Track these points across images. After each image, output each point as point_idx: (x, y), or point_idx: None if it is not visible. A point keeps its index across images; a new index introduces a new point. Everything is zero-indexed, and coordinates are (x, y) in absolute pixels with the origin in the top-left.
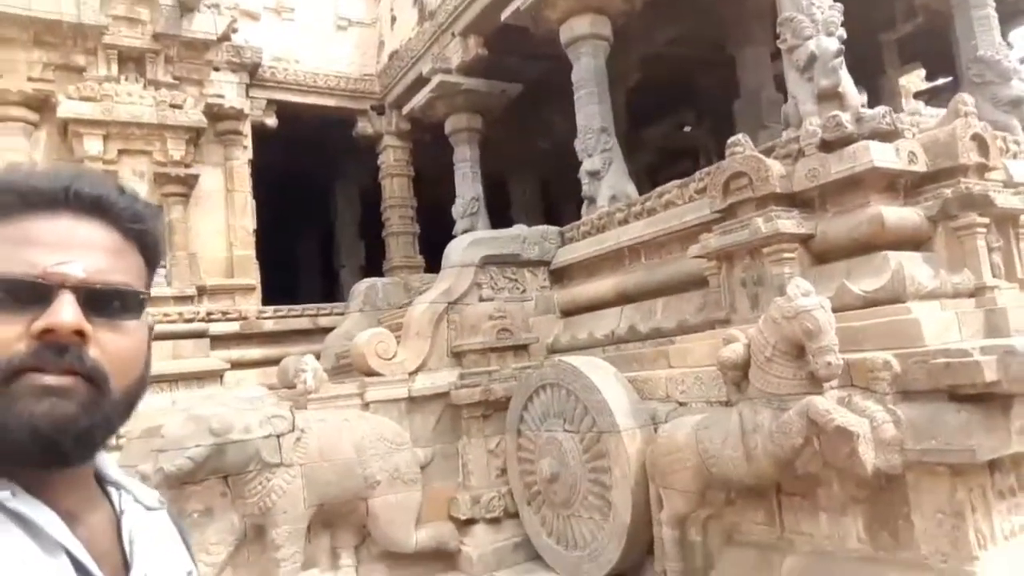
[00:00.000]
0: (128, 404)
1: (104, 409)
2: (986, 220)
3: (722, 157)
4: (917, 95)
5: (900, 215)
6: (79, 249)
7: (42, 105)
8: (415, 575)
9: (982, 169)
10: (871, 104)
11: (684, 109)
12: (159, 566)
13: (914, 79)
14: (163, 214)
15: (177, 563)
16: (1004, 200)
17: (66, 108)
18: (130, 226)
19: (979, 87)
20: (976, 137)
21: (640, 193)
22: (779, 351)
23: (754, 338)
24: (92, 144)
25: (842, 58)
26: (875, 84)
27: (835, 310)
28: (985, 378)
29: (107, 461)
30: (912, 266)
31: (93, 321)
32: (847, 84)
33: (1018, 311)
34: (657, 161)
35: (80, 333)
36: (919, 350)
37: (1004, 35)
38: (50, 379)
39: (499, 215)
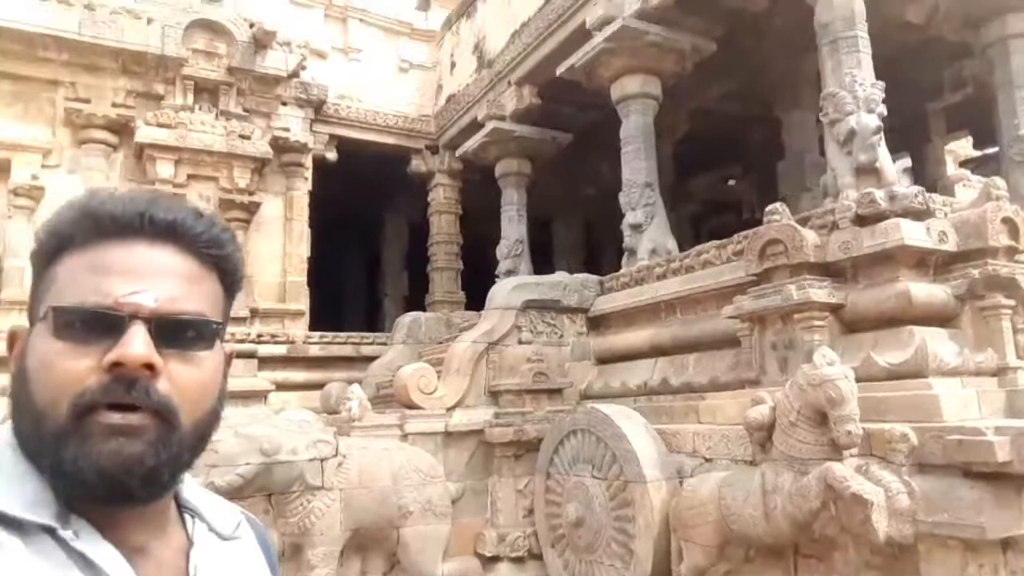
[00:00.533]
0: (199, 438)
1: (172, 447)
2: (1012, 302)
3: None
4: (964, 163)
5: (928, 292)
6: (152, 277)
7: (122, 129)
8: None
9: (1011, 252)
10: (916, 171)
11: (730, 163)
12: None
13: (964, 145)
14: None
15: None
16: None
17: (143, 133)
18: (207, 252)
19: (1020, 165)
20: (1007, 220)
21: (681, 243)
22: (803, 416)
23: (780, 402)
24: (164, 168)
25: (881, 135)
26: (921, 151)
27: (860, 380)
28: (997, 458)
29: (188, 485)
30: (936, 342)
31: (164, 353)
32: (884, 160)
33: None
34: (701, 212)
35: (150, 367)
36: (936, 425)
37: None
38: (118, 418)
39: (542, 256)
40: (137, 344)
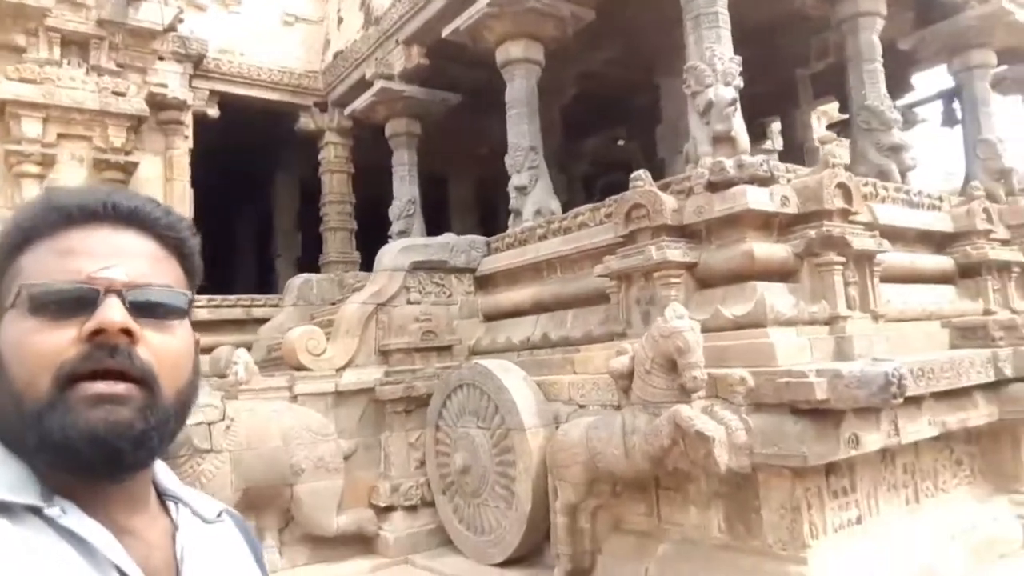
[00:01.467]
0: (181, 407)
1: (158, 412)
2: (843, 259)
3: (655, 170)
4: (830, 126)
5: (769, 251)
6: (120, 256)
7: None
8: (335, 556)
9: (845, 213)
10: (785, 134)
11: (619, 125)
12: None
13: (832, 109)
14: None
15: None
16: (860, 242)
17: (4, 88)
18: (167, 234)
19: (865, 133)
20: (841, 185)
21: (574, 201)
22: (656, 364)
23: (638, 352)
24: (30, 126)
25: (736, 106)
26: (791, 115)
27: (710, 330)
28: (816, 396)
29: (166, 473)
30: (774, 296)
31: (140, 323)
32: (739, 130)
33: (864, 339)
34: (593, 171)
35: (128, 332)
36: (771, 369)
37: (906, 79)
38: (103, 386)
39: (438, 213)
40: (115, 311)
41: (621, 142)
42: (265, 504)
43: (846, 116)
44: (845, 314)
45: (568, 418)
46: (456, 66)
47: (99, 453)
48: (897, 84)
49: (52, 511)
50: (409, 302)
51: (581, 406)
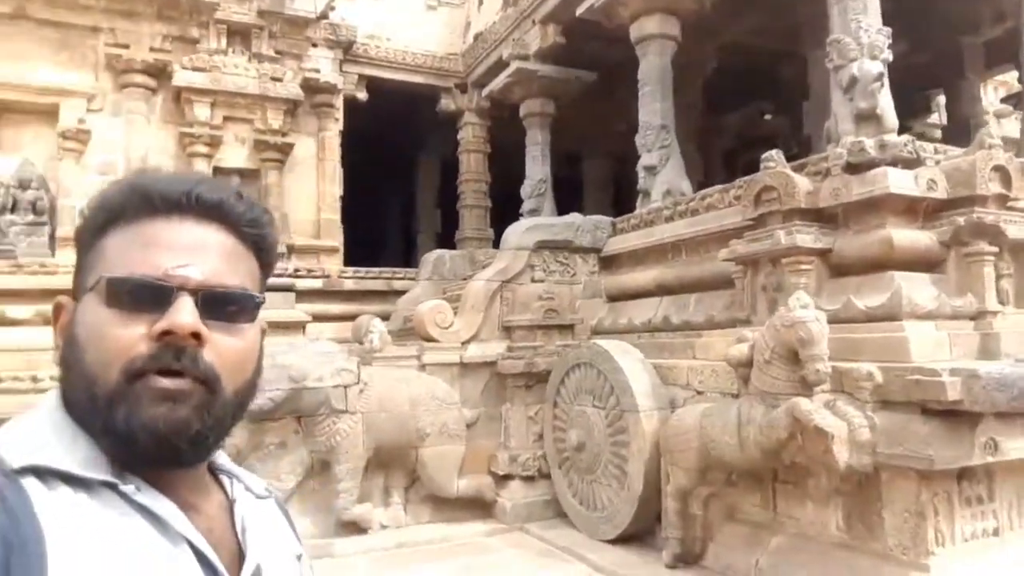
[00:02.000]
0: (239, 405)
1: (215, 412)
2: (995, 249)
3: (803, 147)
4: (1006, 99)
5: (910, 238)
6: (198, 253)
7: (160, 73)
8: (455, 518)
9: (1002, 199)
10: (949, 109)
11: (765, 98)
12: (271, 552)
13: (1012, 79)
14: (261, 177)
15: (287, 548)
16: (1017, 230)
17: (180, 77)
18: (247, 231)
19: None
20: (998, 168)
21: (713, 179)
22: (777, 355)
23: (758, 341)
24: (201, 111)
25: (883, 82)
26: (956, 87)
27: (840, 322)
28: (948, 396)
29: (219, 452)
30: (913, 287)
31: (209, 324)
32: (886, 107)
33: (1015, 336)
34: (735, 147)
35: (197, 336)
36: (901, 365)
37: None
38: (167, 383)
39: (572, 193)
40: (185, 314)
41: (767, 117)
42: (393, 463)
43: None
44: (994, 309)
45: (685, 403)
46: (592, 44)
47: (157, 448)
48: None
49: (127, 488)
50: (533, 280)
51: (699, 392)
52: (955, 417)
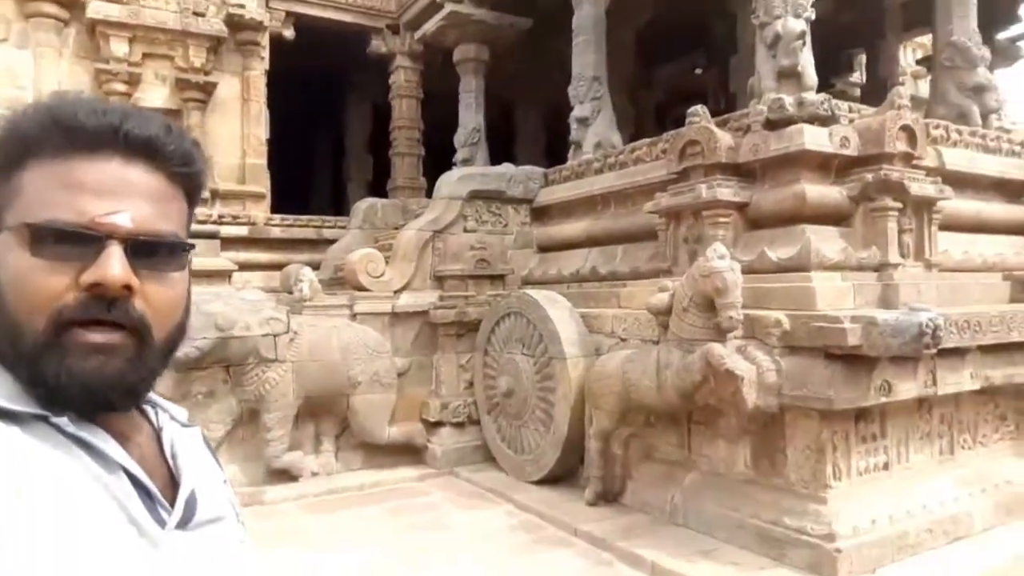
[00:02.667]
0: (169, 351)
1: (148, 362)
2: (899, 204)
3: (730, 102)
4: (922, 60)
5: (822, 193)
6: (128, 197)
7: (72, 4)
8: (387, 464)
9: (908, 157)
10: (869, 68)
11: (697, 52)
12: (202, 478)
13: (928, 42)
14: (183, 118)
15: (214, 474)
16: (919, 188)
17: (94, 8)
18: (178, 169)
19: (948, 71)
20: (905, 128)
21: (645, 132)
22: (694, 303)
23: (677, 290)
24: (118, 46)
25: (805, 40)
26: (876, 47)
27: (754, 272)
28: (849, 342)
29: None
30: (822, 240)
31: (139, 273)
32: (806, 65)
33: (912, 287)
34: (667, 100)
35: (128, 287)
36: (807, 313)
37: (1013, 9)
38: (98, 337)
39: (504, 143)
40: (116, 265)
41: (698, 71)
42: (324, 412)
43: None
44: (895, 261)
45: (609, 350)
46: None
47: (90, 399)
48: (1003, 15)
49: (60, 420)
50: (465, 230)
51: (623, 340)
52: (855, 361)
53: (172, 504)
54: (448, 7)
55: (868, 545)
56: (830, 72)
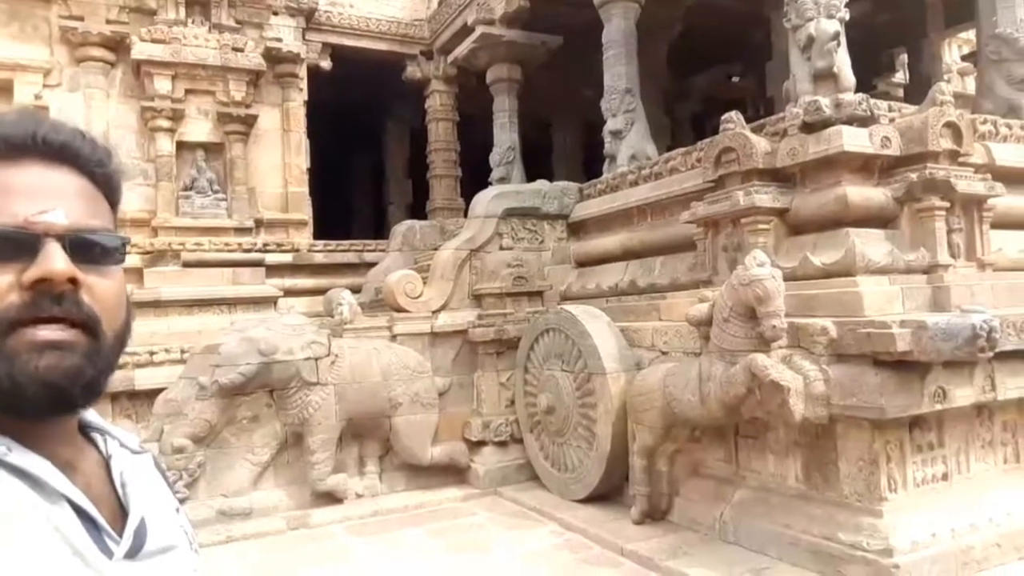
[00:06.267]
0: (120, 346)
1: (103, 356)
2: (946, 204)
3: (769, 109)
4: (966, 57)
5: (865, 195)
6: (56, 197)
7: (118, 46)
8: (430, 485)
9: (953, 155)
10: (911, 67)
11: (732, 60)
12: (152, 506)
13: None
14: (225, 151)
15: (166, 502)
16: (967, 186)
17: (139, 49)
18: (96, 170)
19: (994, 64)
20: (950, 125)
21: (682, 143)
22: (735, 313)
23: (717, 300)
24: (162, 84)
25: (839, 41)
26: (917, 46)
27: (797, 279)
28: (898, 347)
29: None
30: (866, 243)
31: (80, 268)
32: (843, 66)
33: (964, 289)
34: (704, 110)
35: (73, 281)
36: (854, 319)
37: None
38: (49, 333)
39: (541, 160)
40: (58, 260)
41: (735, 79)
42: (367, 433)
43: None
44: (946, 262)
45: (650, 364)
46: (559, 8)
47: (49, 398)
48: None
49: None
50: (501, 248)
51: (664, 353)
52: (906, 367)
53: (121, 534)
54: (479, 30)
55: (929, 560)
56: (871, 73)
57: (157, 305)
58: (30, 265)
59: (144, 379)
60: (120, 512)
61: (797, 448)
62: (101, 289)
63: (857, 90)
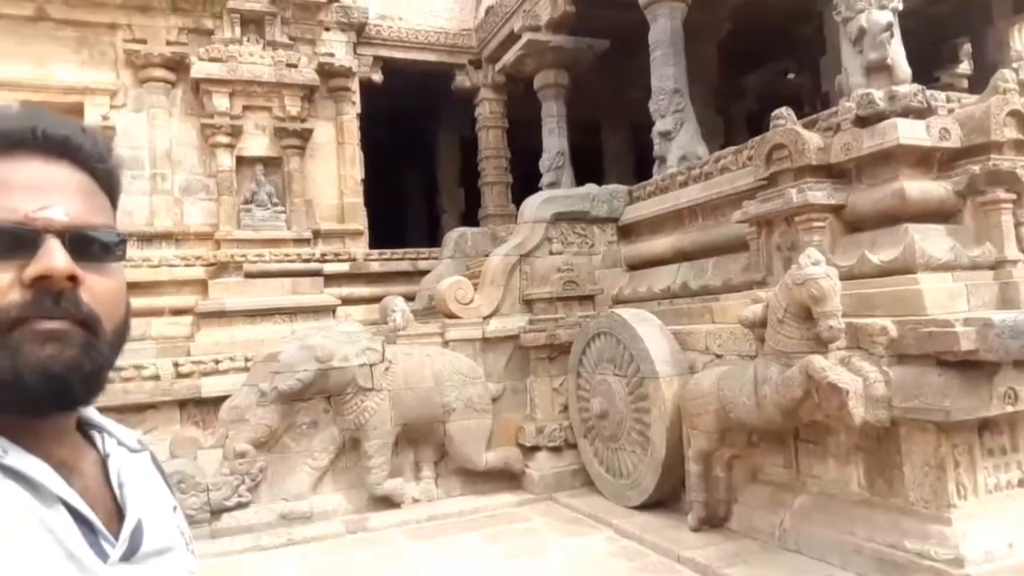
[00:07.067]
0: (119, 344)
1: (102, 352)
2: (1012, 196)
3: (825, 104)
4: None
5: (924, 189)
6: (56, 192)
7: (178, 66)
8: (485, 490)
9: (1019, 145)
10: (975, 57)
11: (785, 57)
12: (150, 507)
13: None
14: (283, 164)
15: (163, 501)
16: None
17: (198, 68)
18: (96, 165)
19: None
20: (1015, 113)
21: (737, 143)
22: (790, 313)
23: (771, 300)
24: (220, 101)
25: (892, 32)
26: (982, 34)
27: (855, 278)
28: (962, 347)
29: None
30: (926, 239)
31: (80, 265)
32: (897, 57)
33: None
34: (758, 108)
35: (73, 278)
36: (917, 318)
37: None
38: (49, 324)
39: (592, 164)
40: (58, 257)
41: (791, 76)
42: (421, 439)
43: None
44: (1014, 258)
45: (704, 367)
46: (604, 11)
47: (49, 388)
48: None
49: None
50: (551, 253)
51: (718, 356)
52: (972, 368)
53: (117, 536)
54: (526, 36)
55: (1005, 572)
56: (932, 65)
57: (221, 315)
58: (30, 261)
59: (210, 387)
60: (117, 513)
61: (859, 452)
62: (100, 286)
63: (918, 82)
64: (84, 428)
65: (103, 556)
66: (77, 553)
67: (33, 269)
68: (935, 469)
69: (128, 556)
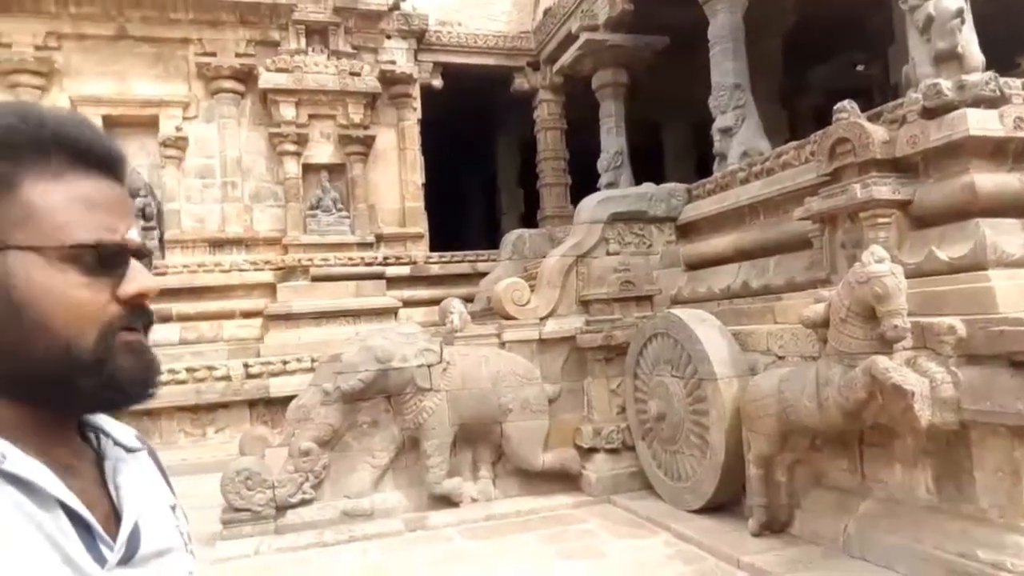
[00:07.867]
0: None
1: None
2: None
3: (896, 97)
4: None
5: (997, 182)
6: (126, 212)
7: (247, 77)
8: (543, 491)
9: None
10: None
11: (854, 48)
12: (147, 507)
13: None
14: (347, 171)
15: (162, 500)
16: None
17: (265, 79)
18: (128, 185)
19: None
20: None
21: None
22: (852, 313)
23: (833, 300)
24: (287, 110)
25: (963, 19)
26: None
27: (923, 275)
28: None
29: None
30: (999, 234)
31: None
32: (968, 45)
33: None
34: (825, 103)
35: None
36: (988, 317)
37: None
38: (134, 337)
39: (652, 163)
40: (148, 276)
41: (860, 68)
42: (479, 439)
43: None
44: None
45: (764, 369)
46: (663, 8)
47: (143, 391)
48: None
49: None
50: (608, 253)
51: (780, 357)
52: None
53: (115, 538)
54: (583, 36)
55: None
56: (1015, 50)
57: (288, 318)
58: (118, 279)
59: (278, 387)
60: (115, 515)
61: (927, 457)
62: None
63: (998, 70)
64: (81, 428)
65: (101, 561)
66: (75, 557)
67: (134, 287)
68: (1009, 475)
69: (126, 559)
